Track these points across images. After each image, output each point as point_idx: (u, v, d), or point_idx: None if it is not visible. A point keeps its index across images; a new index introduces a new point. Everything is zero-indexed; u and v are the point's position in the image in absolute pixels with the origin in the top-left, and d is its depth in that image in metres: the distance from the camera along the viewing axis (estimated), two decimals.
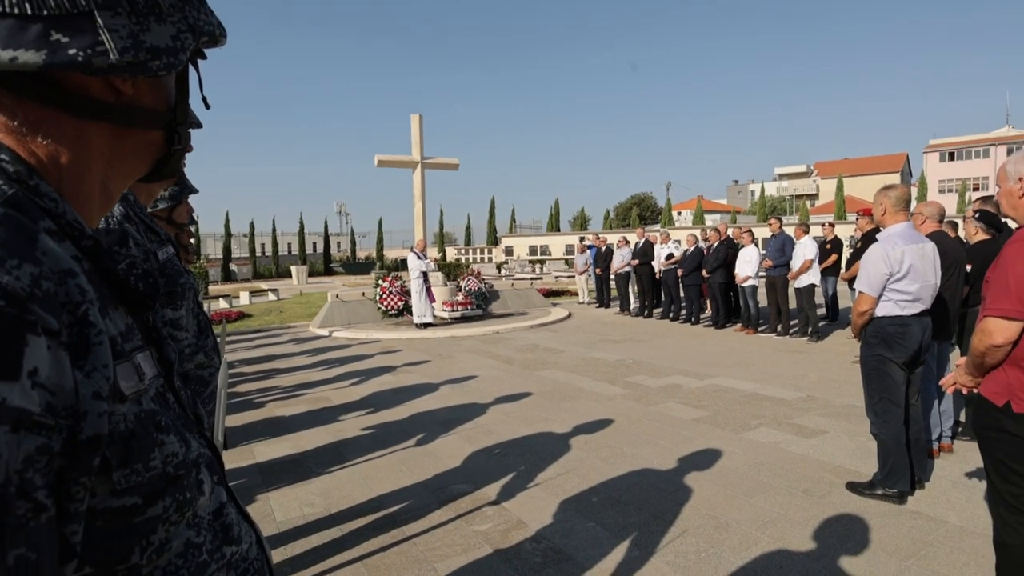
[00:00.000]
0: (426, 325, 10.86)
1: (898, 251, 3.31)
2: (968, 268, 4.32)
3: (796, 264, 9.14)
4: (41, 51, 0.48)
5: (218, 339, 2.28)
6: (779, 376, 6.63)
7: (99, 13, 0.50)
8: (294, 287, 24.06)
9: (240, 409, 5.82)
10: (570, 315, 12.72)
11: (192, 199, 2.43)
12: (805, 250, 9.11)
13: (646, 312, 12.33)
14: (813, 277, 9.11)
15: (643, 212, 53.87)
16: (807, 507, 3.37)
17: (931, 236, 3.88)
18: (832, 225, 10.90)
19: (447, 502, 3.56)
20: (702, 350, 8.42)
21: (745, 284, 9.72)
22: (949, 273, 4.02)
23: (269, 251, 33.76)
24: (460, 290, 12.54)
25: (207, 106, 0.69)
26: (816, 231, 12.39)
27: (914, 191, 35.11)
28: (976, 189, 43.57)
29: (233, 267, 30.56)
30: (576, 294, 16.36)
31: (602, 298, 14.31)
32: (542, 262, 30.54)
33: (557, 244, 34.45)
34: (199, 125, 2.35)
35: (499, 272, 25.51)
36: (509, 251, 35.18)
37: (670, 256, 11.59)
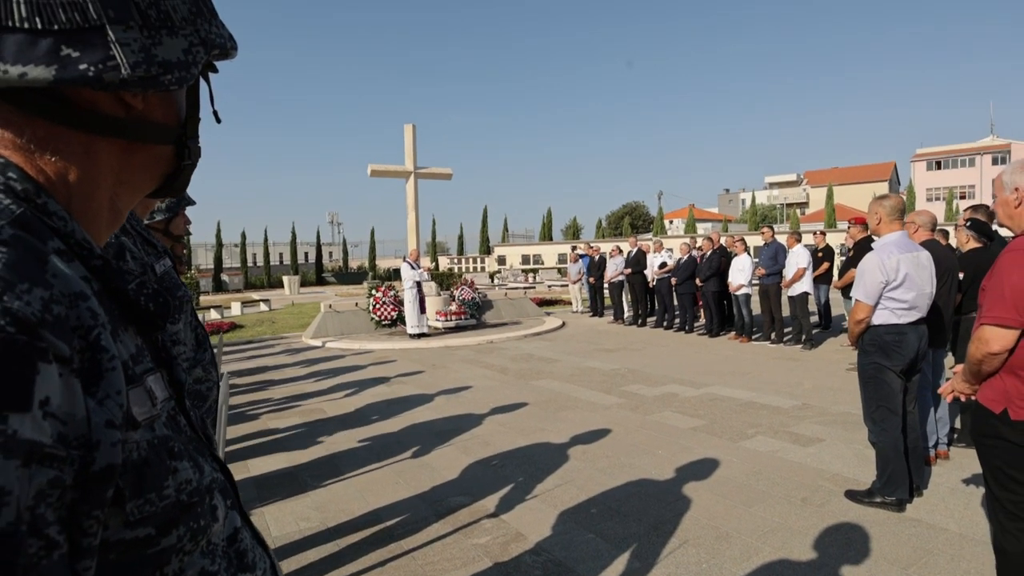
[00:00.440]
0: (420, 335, 10.82)
1: (893, 260, 3.33)
2: (960, 276, 4.36)
3: (789, 272, 9.19)
4: (51, 67, 0.47)
5: (215, 351, 2.26)
6: (774, 384, 6.64)
7: (110, 27, 0.49)
8: (286, 297, 23.93)
9: (233, 421, 5.76)
10: (564, 324, 12.72)
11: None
12: (798, 258, 9.16)
13: (640, 321, 12.35)
14: (806, 285, 9.16)
15: (635, 221, 54.13)
16: (806, 516, 3.36)
17: (924, 245, 3.91)
18: (823, 233, 11.00)
19: (445, 515, 3.52)
20: (697, 359, 8.43)
21: (738, 292, 9.76)
22: (942, 281, 4.05)
23: (261, 261, 33.60)
24: (454, 300, 12.52)
25: (218, 120, 0.67)
26: (808, 239, 12.47)
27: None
28: (963, 197, 44.12)
29: (224, 277, 30.36)
30: (570, 303, 16.37)
31: (596, 307, 14.33)
32: (535, 271, 30.52)
33: (550, 253, 34.47)
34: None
35: (492, 281, 25.50)
36: (502, 260, 35.17)
37: (663, 265, 11.63)
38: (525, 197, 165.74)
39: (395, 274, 16.27)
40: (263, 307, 18.53)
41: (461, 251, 40.02)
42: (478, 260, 37.61)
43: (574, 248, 17.55)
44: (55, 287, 0.43)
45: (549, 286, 23.69)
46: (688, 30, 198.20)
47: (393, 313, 12.09)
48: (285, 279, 27.76)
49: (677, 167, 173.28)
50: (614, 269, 12.96)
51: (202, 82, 0.63)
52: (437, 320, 11.72)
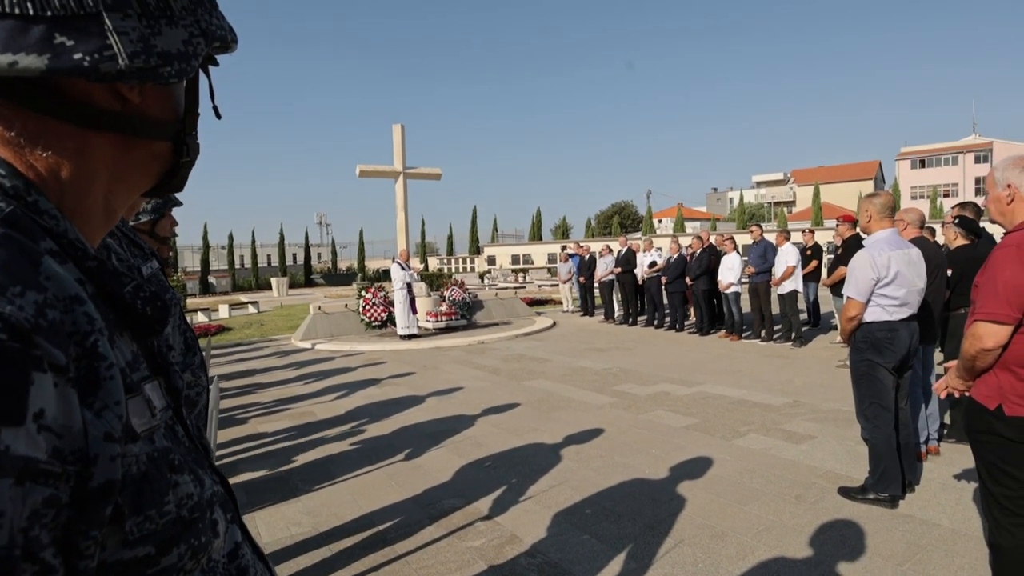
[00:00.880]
0: (410, 336, 10.77)
1: (884, 257, 3.35)
2: (949, 272, 4.40)
3: (779, 271, 9.26)
4: (44, 55, 0.43)
5: (204, 355, 2.21)
6: (765, 382, 6.67)
7: (107, 15, 0.46)
8: (274, 299, 23.74)
9: (222, 425, 5.68)
10: (555, 324, 12.71)
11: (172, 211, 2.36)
12: (787, 257, 9.22)
13: (630, 320, 12.37)
14: (795, 283, 9.23)
15: (624, 220, 54.25)
16: (801, 513, 3.37)
17: (913, 242, 3.94)
18: (812, 231, 11.07)
19: (438, 518, 3.49)
20: (688, 357, 8.46)
21: (728, 291, 9.80)
22: (932, 278, 4.08)
23: (248, 263, 33.30)
24: (444, 300, 12.47)
25: (218, 115, 0.64)
26: (796, 237, 12.56)
27: None
28: (947, 195, 44.64)
29: (212, 280, 30.08)
30: (560, 302, 16.37)
31: (586, 306, 14.34)
32: (525, 271, 30.51)
33: (539, 253, 34.47)
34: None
35: (482, 281, 25.45)
36: (492, 260, 35.12)
37: (653, 264, 11.66)
38: (514, 197, 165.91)
39: (385, 275, 16.16)
40: (251, 309, 18.36)
41: (451, 251, 39.96)
42: (468, 260, 37.57)
43: (564, 248, 17.55)
44: (49, 290, 0.40)
45: (539, 286, 23.67)
46: (676, 32, 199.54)
47: (383, 314, 12.02)
48: (273, 281, 27.55)
49: (665, 167, 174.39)
50: (604, 268, 12.98)
51: (202, 76, 0.60)
52: (427, 321, 11.66)
